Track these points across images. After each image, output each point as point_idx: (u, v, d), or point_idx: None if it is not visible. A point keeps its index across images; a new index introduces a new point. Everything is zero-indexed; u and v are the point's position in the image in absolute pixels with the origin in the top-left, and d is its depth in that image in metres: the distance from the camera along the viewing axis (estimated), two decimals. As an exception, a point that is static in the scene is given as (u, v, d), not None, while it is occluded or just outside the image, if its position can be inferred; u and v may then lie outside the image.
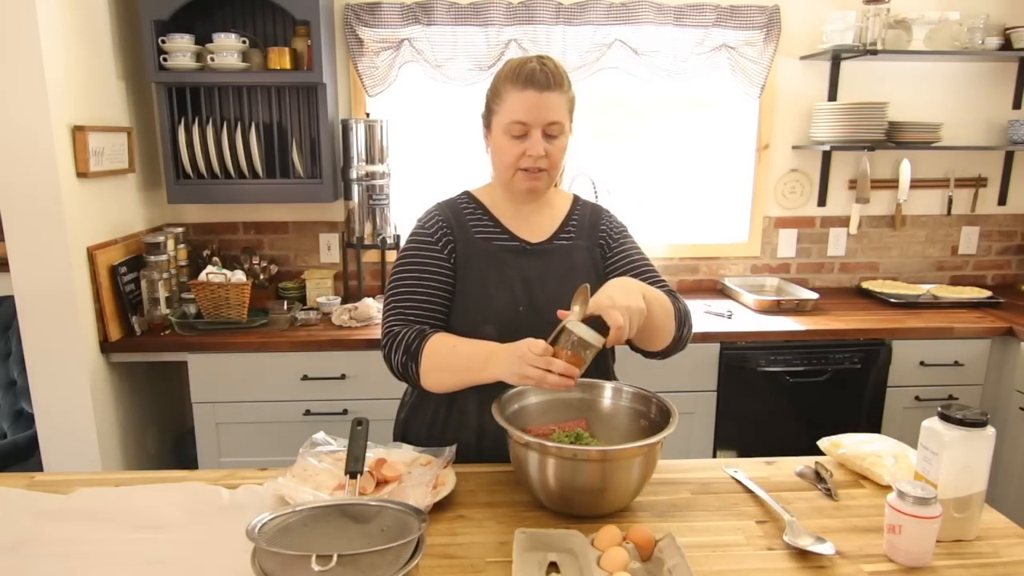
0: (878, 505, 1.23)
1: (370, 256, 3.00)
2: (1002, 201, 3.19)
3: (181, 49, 2.52)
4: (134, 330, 2.47)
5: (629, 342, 1.40)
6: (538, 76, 1.34)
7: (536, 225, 1.49)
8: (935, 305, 2.84)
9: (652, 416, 1.31)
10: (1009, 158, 3.15)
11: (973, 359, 2.60)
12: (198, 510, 1.22)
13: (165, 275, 2.56)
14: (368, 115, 2.84)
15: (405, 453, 1.35)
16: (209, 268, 2.54)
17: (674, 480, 1.34)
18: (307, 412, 2.48)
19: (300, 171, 2.74)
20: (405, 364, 1.36)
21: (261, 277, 2.84)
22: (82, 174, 2.26)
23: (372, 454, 1.31)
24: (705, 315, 2.70)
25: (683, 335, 1.43)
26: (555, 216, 1.51)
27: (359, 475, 1.20)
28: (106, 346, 2.39)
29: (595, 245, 1.51)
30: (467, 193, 1.54)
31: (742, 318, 2.68)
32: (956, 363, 2.60)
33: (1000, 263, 3.26)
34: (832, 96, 3.02)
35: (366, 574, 0.88)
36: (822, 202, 3.14)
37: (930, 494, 1.05)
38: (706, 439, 2.61)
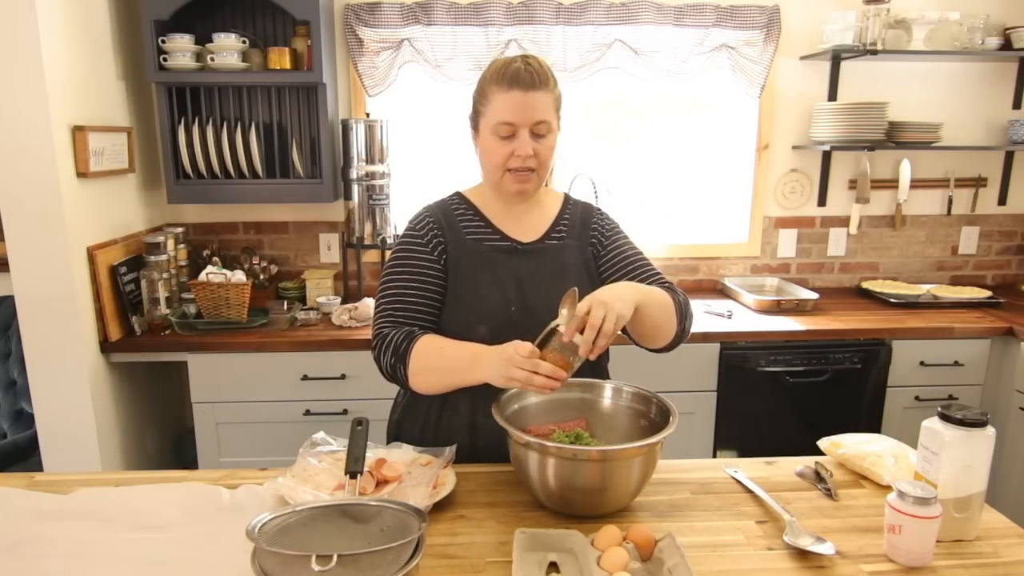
0: (878, 505, 1.23)
1: (370, 256, 3.00)
2: (1002, 201, 3.19)
3: (181, 49, 2.52)
4: (134, 330, 2.47)
5: (630, 338, 1.41)
6: (523, 76, 1.34)
7: (527, 225, 1.49)
8: (935, 305, 2.84)
9: (652, 416, 1.31)
10: (1009, 158, 3.15)
11: (973, 359, 2.60)
12: (198, 510, 1.22)
13: (165, 275, 2.56)
14: (368, 115, 2.84)
15: (405, 453, 1.35)
16: (209, 268, 2.54)
17: (674, 480, 1.34)
18: (307, 412, 2.48)
19: (300, 171, 2.74)
20: (394, 366, 1.36)
21: (261, 277, 2.84)
22: (82, 174, 2.26)
23: (372, 454, 1.31)
24: (705, 315, 2.70)
25: (685, 328, 1.42)
26: (546, 216, 1.51)
27: (359, 475, 1.20)
28: (106, 346, 2.39)
29: (587, 244, 1.51)
30: (458, 194, 1.54)
31: (742, 318, 2.68)
32: (956, 363, 2.60)
33: (1000, 263, 3.26)
34: (832, 96, 3.02)
35: (366, 574, 0.88)
36: (822, 202, 3.14)
37: (930, 494, 1.05)
38: (706, 439, 2.61)
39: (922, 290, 2.96)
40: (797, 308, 2.76)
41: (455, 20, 2.78)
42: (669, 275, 3.12)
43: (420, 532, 0.95)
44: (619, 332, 1.19)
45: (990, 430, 1.11)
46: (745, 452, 2.64)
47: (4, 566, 1.06)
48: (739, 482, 1.33)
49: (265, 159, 2.72)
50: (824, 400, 2.60)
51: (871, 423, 2.62)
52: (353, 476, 1.20)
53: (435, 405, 1.45)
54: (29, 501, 1.24)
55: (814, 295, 2.80)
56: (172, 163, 2.63)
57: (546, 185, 1.52)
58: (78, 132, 2.23)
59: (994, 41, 2.85)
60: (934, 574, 1.06)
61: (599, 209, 1.58)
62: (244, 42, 2.58)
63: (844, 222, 3.15)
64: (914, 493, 1.05)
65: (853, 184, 3.12)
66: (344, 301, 2.80)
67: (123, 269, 2.46)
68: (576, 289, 1.22)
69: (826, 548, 1.09)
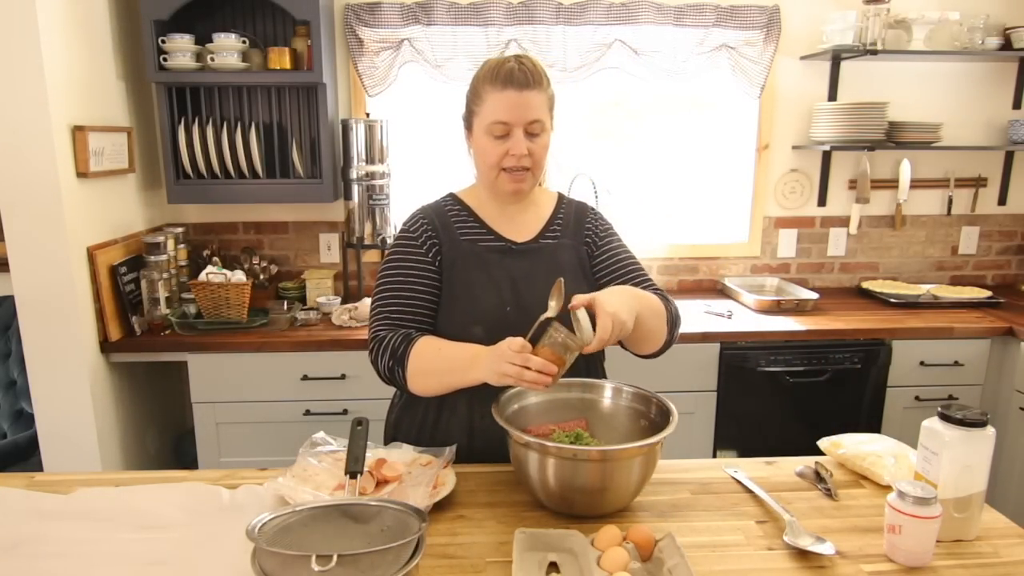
0: (878, 505, 1.23)
1: (370, 256, 3.00)
2: (1002, 201, 3.19)
3: (181, 49, 2.52)
4: (134, 330, 2.47)
5: (620, 343, 1.41)
6: (517, 75, 1.34)
7: (522, 225, 1.49)
8: (935, 305, 2.84)
9: (652, 416, 1.31)
10: (1009, 158, 3.15)
11: (973, 359, 2.60)
12: (198, 510, 1.22)
13: (165, 275, 2.56)
14: (368, 115, 2.84)
15: (405, 453, 1.35)
16: (209, 268, 2.54)
17: (674, 480, 1.34)
18: (307, 412, 2.48)
19: (300, 171, 2.74)
20: (392, 369, 1.36)
21: (261, 277, 2.85)
22: (82, 174, 2.26)
23: (372, 454, 1.31)
24: (705, 315, 2.70)
25: (674, 336, 1.45)
26: (540, 215, 1.52)
27: (359, 475, 1.20)
28: (106, 346, 2.39)
29: (581, 243, 1.51)
30: (451, 195, 1.54)
31: (742, 318, 2.68)
32: (956, 363, 2.60)
33: (1000, 263, 3.26)
34: (832, 96, 3.02)
35: (366, 574, 0.88)
36: (822, 202, 3.14)
37: (930, 494, 1.05)
38: (706, 439, 2.61)
39: (922, 290, 2.96)
40: (797, 308, 2.76)
41: (455, 20, 2.78)
42: (669, 275, 3.14)
43: (420, 532, 0.95)
44: None
45: (990, 430, 1.11)
46: (745, 452, 2.64)
47: (4, 566, 1.06)
48: (739, 482, 1.33)
49: (265, 159, 2.72)
50: (824, 400, 2.60)
51: (871, 423, 2.62)
52: (353, 476, 1.20)
53: (433, 406, 1.45)
54: (29, 501, 1.24)
55: (814, 295, 2.80)
56: (172, 163, 2.63)
57: (540, 184, 1.53)
58: (78, 132, 2.23)
59: (994, 41, 2.85)
60: (934, 574, 1.06)
61: (593, 208, 1.58)
62: (244, 42, 2.58)
63: (844, 222, 3.15)
64: (914, 493, 1.05)
65: (853, 184, 3.12)
66: (344, 301, 2.80)
67: (123, 269, 2.46)
68: (562, 280, 1.24)
69: (826, 548, 1.09)
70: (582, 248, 1.51)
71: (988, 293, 2.92)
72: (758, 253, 3.17)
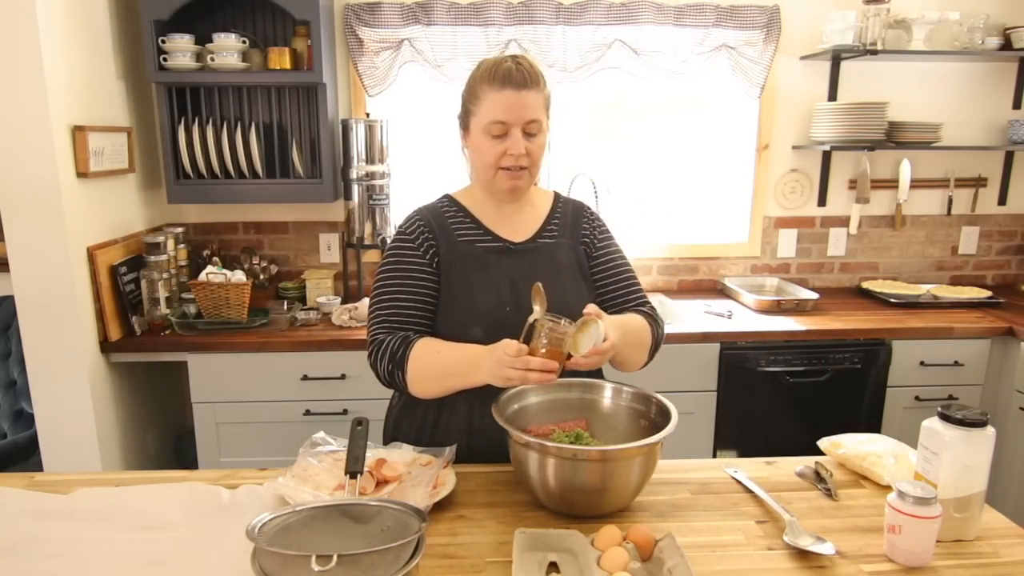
0: (878, 505, 1.23)
1: (370, 256, 3.00)
2: (1002, 201, 3.19)
3: (181, 49, 2.52)
4: (134, 330, 2.47)
5: None
6: (515, 75, 1.34)
7: (519, 224, 1.49)
8: (935, 305, 2.84)
9: (652, 416, 1.31)
10: (1009, 158, 3.15)
11: (973, 359, 2.60)
12: (198, 510, 1.22)
13: (165, 275, 2.56)
14: (368, 115, 2.84)
15: (405, 453, 1.35)
16: (209, 268, 2.54)
17: (674, 480, 1.34)
18: (307, 412, 2.48)
19: (300, 171, 2.74)
20: (391, 372, 1.36)
21: (261, 277, 2.85)
22: (82, 174, 2.26)
23: (372, 454, 1.31)
24: (705, 315, 2.70)
25: (652, 358, 1.50)
26: (537, 215, 1.52)
27: (359, 475, 1.20)
28: (106, 346, 2.39)
29: (578, 243, 1.52)
30: (447, 196, 1.53)
31: (742, 318, 2.68)
32: (956, 363, 2.60)
33: (1000, 263, 3.26)
34: (832, 96, 3.02)
35: (366, 574, 0.88)
36: (822, 202, 3.14)
37: (930, 494, 1.05)
38: (706, 439, 2.61)
39: (922, 290, 2.96)
40: (797, 308, 2.76)
41: (455, 20, 2.78)
42: (669, 275, 3.14)
43: (420, 532, 0.95)
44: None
45: (990, 430, 1.11)
46: (745, 452, 2.64)
47: (4, 566, 1.06)
48: (739, 482, 1.33)
49: (265, 159, 2.72)
50: (824, 400, 2.60)
51: (871, 423, 2.62)
52: (353, 476, 1.20)
53: (433, 406, 1.45)
54: (29, 501, 1.24)
55: (814, 295, 2.80)
56: (172, 163, 2.63)
57: (535, 184, 1.53)
58: (78, 132, 2.23)
59: (994, 41, 2.85)
60: (934, 574, 1.06)
61: (589, 208, 1.59)
62: (244, 42, 2.58)
63: (844, 222, 3.15)
64: (914, 493, 1.05)
65: (853, 184, 3.12)
66: (344, 301, 2.80)
67: (123, 269, 2.46)
68: (540, 284, 1.25)
69: (826, 548, 1.09)
70: (579, 248, 1.51)
71: (988, 293, 2.92)
72: (758, 253, 3.17)
